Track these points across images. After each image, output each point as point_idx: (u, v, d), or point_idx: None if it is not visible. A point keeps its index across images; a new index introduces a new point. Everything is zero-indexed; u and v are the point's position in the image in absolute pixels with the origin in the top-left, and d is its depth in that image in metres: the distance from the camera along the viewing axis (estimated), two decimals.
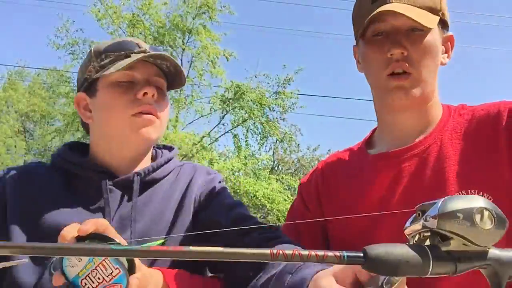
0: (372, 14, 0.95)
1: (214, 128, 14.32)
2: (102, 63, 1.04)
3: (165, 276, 0.88)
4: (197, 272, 1.05)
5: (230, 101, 13.67)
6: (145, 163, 1.12)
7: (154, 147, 1.18)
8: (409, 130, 1.03)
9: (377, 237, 0.98)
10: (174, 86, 1.13)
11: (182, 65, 12.16)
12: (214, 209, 1.07)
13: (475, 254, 0.49)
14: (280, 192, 13.66)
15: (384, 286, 0.56)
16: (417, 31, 0.95)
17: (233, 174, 13.35)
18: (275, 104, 13.90)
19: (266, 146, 15.73)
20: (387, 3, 0.96)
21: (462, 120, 1.01)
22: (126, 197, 1.04)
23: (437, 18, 0.97)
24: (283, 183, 14.62)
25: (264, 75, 13.91)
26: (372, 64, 1.01)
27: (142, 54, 1.02)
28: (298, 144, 18.16)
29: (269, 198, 13.20)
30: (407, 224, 0.53)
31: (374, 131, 1.15)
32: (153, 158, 1.17)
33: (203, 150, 13.35)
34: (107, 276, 0.77)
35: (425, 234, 0.51)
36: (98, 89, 1.06)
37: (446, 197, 0.49)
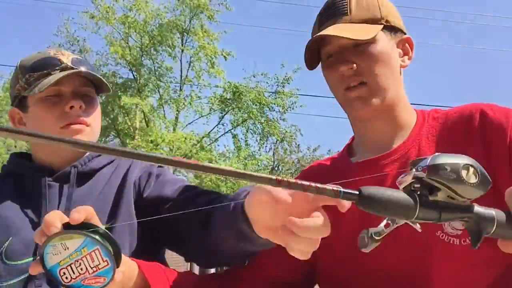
0: (308, 41, 1.03)
1: (213, 129, 14.33)
2: (28, 81, 1.12)
3: (142, 267, 0.88)
4: (155, 250, 1.16)
5: (229, 101, 13.68)
6: None
7: None
8: (383, 136, 1.06)
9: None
10: (102, 90, 1.20)
11: (181, 65, 12.12)
12: (157, 186, 1.13)
13: (459, 206, 0.55)
14: None
15: (373, 236, 0.59)
16: (363, 44, 1.00)
17: None
18: (275, 104, 13.89)
19: (266, 146, 15.74)
20: (327, 27, 1.02)
21: (437, 124, 1.03)
22: (65, 190, 1.11)
23: (378, 27, 1.01)
24: None
25: (262, 74, 13.89)
26: (331, 84, 1.06)
27: (62, 73, 1.09)
28: (298, 145, 18.18)
29: None
30: (400, 177, 0.57)
31: (353, 138, 1.18)
32: None
33: (202, 150, 13.33)
34: (92, 268, 0.74)
35: (416, 185, 0.55)
36: (29, 105, 1.14)
37: (436, 153, 0.55)
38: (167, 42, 13.41)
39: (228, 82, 13.54)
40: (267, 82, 13.94)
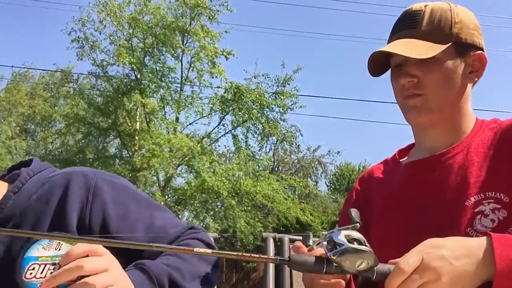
0: (371, 54, 1.09)
1: (214, 129, 14.34)
2: None
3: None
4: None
5: (230, 102, 13.67)
6: None
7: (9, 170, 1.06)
8: (440, 144, 1.10)
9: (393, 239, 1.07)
10: None
11: (182, 65, 11.91)
12: (125, 225, 0.98)
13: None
14: (281, 190, 13.66)
15: None
16: (427, 59, 1.03)
17: (233, 176, 13.35)
18: (275, 104, 13.89)
19: (266, 146, 15.74)
20: (395, 38, 1.09)
21: (491, 134, 1.07)
22: None
23: (441, 47, 1.03)
24: (282, 182, 14.60)
25: (263, 75, 13.88)
26: (394, 91, 1.13)
27: None
28: (298, 145, 18.19)
29: (269, 198, 13.20)
30: (324, 237, 0.81)
31: (410, 146, 1.24)
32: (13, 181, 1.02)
33: (204, 152, 13.31)
34: (52, 273, 0.74)
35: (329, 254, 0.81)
36: None
37: (351, 246, 0.77)
38: (170, 43, 13.41)
39: (230, 82, 13.53)
40: (267, 83, 13.96)
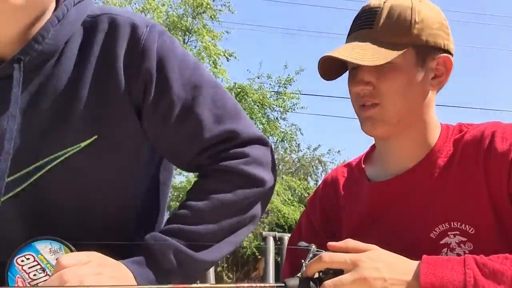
0: (320, 58, 0.98)
1: None
2: None
3: None
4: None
5: None
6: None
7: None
8: (402, 156, 1.02)
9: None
10: None
11: None
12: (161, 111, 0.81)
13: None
14: (282, 192, 13.66)
15: None
16: (384, 64, 0.92)
17: None
18: (276, 105, 13.92)
19: None
20: (351, 39, 0.98)
21: (456, 148, 0.98)
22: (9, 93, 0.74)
23: (396, 52, 0.92)
24: (283, 184, 14.60)
25: (268, 76, 13.94)
26: (350, 96, 1.02)
27: None
28: (299, 144, 18.19)
29: None
30: (305, 262, 0.81)
31: (374, 147, 1.14)
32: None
33: None
34: (34, 276, 0.73)
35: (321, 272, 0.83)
36: None
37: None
38: None
39: (234, 82, 13.58)
40: (270, 84, 14.01)
